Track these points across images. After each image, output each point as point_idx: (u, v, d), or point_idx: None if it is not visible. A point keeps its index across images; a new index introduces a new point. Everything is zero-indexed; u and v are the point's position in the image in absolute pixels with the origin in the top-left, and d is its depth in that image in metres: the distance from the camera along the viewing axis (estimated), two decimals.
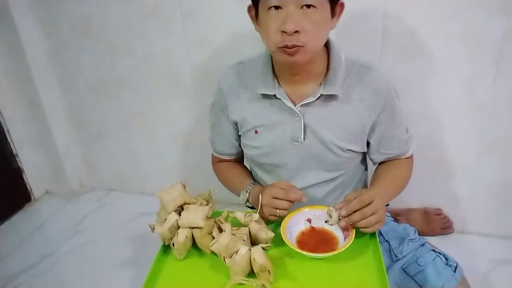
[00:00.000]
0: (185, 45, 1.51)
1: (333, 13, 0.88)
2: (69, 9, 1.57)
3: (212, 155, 1.21)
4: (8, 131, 1.78)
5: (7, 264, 1.53)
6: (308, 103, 0.95)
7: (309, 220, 0.93)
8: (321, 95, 0.94)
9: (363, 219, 0.83)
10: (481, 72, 1.26)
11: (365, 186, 1.17)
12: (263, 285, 0.79)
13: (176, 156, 1.78)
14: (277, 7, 0.83)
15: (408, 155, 1.08)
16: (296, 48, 0.84)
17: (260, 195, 0.94)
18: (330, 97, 0.95)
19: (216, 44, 1.47)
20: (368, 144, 1.04)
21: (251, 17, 0.93)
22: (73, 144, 1.91)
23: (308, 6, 0.82)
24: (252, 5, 0.91)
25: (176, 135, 1.74)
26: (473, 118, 1.33)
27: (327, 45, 0.96)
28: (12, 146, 1.81)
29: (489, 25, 1.19)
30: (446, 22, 1.23)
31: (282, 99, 0.96)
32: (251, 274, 0.81)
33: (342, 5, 0.90)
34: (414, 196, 1.51)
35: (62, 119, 1.84)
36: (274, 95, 0.96)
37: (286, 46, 0.84)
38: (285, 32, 0.83)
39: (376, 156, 1.06)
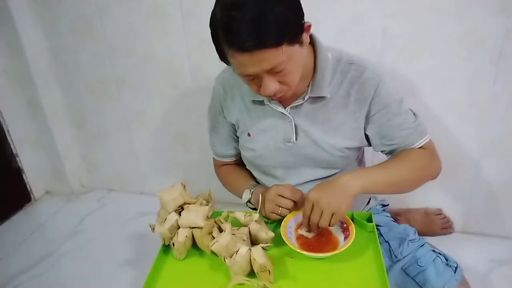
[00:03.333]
0: (185, 45, 1.51)
1: (300, 40, 0.82)
2: (69, 9, 1.57)
3: (214, 159, 1.22)
4: (8, 131, 1.78)
5: (7, 264, 1.53)
6: (297, 105, 0.97)
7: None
8: (309, 97, 0.95)
9: (319, 222, 0.84)
10: (481, 72, 1.26)
11: None
12: (264, 285, 0.79)
13: (176, 156, 1.78)
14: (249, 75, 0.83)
15: (418, 145, 0.99)
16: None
17: (260, 195, 0.94)
18: (319, 97, 0.96)
19: None
20: (370, 138, 1.02)
21: None
22: (73, 144, 1.91)
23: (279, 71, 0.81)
24: None
25: (176, 135, 1.74)
26: (473, 118, 1.33)
27: (313, 45, 0.95)
28: (12, 146, 1.81)
29: (489, 25, 1.19)
30: (446, 22, 1.23)
31: (270, 104, 0.98)
32: (251, 274, 0.81)
33: (308, 26, 0.84)
34: (414, 196, 1.51)
35: (62, 119, 1.84)
36: (263, 100, 0.98)
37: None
38: None
39: (382, 148, 1.02)
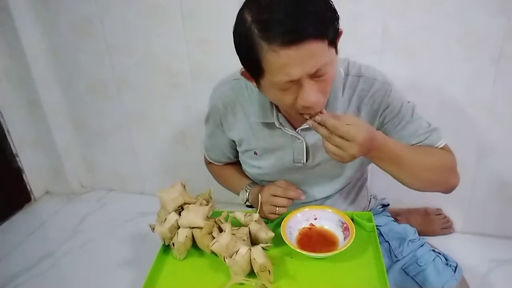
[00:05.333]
0: (185, 45, 1.51)
1: (336, 45, 0.79)
2: (69, 9, 1.57)
3: (205, 157, 1.21)
4: (8, 131, 1.78)
5: (7, 264, 1.53)
6: (309, 126, 0.90)
7: (309, 220, 0.93)
8: None
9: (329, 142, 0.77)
10: (481, 72, 1.26)
11: (365, 189, 1.17)
12: (263, 285, 0.79)
13: (176, 156, 1.78)
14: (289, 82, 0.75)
15: (437, 145, 0.95)
16: None
17: (259, 194, 0.94)
18: None
19: (216, 44, 1.47)
20: None
21: (247, 78, 0.83)
22: (73, 144, 1.91)
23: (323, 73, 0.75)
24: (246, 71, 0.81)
25: (176, 135, 1.74)
26: (473, 118, 1.33)
27: None
28: (12, 146, 1.81)
29: (489, 25, 1.19)
30: (446, 22, 1.23)
31: (281, 127, 0.93)
32: (251, 274, 0.81)
33: (341, 32, 0.80)
34: (414, 196, 1.50)
35: (62, 119, 1.84)
36: (274, 123, 0.93)
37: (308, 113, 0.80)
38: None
39: None
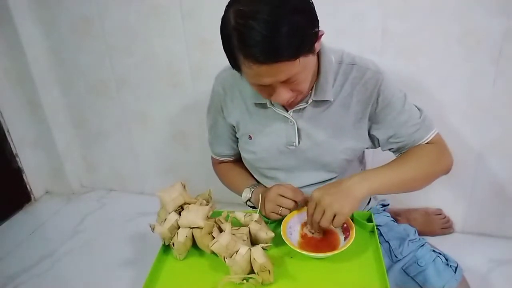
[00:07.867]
0: (185, 45, 1.51)
1: (313, 50, 0.82)
2: (69, 9, 1.57)
3: (212, 157, 1.22)
4: (8, 131, 1.79)
5: (7, 264, 1.53)
6: (300, 108, 0.96)
7: None
8: (313, 100, 0.94)
9: (320, 221, 0.84)
10: (481, 72, 1.26)
11: None
12: (261, 282, 0.79)
13: (176, 156, 1.78)
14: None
15: (425, 140, 0.98)
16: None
17: (260, 195, 0.94)
18: (322, 101, 0.94)
19: (216, 44, 1.46)
20: (377, 139, 1.01)
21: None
22: (73, 144, 1.91)
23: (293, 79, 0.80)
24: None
25: (176, 135, 1.74)
26: (473, 118, 1.33)
27: None
28: (12, 146, 1.81)
29: (489, 25, 1.19)
30: (446, 22, 1.23)
31: (273, 107, 0.97)
32: (251, 274, 0.81)
33: (321, 35, 0.83)
34: (414, 196, 1.51)
35: (62, 119, 1.84)
36: (266, 103, 0.97)
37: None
38: None
39: (389, 146, 1.01)
